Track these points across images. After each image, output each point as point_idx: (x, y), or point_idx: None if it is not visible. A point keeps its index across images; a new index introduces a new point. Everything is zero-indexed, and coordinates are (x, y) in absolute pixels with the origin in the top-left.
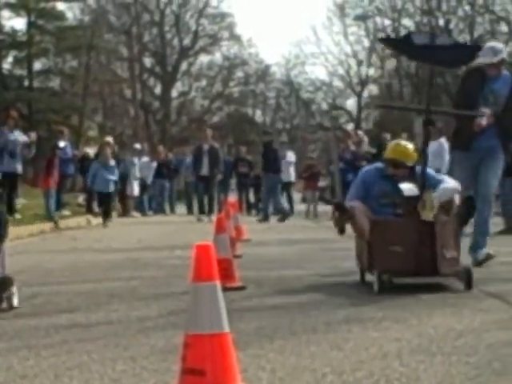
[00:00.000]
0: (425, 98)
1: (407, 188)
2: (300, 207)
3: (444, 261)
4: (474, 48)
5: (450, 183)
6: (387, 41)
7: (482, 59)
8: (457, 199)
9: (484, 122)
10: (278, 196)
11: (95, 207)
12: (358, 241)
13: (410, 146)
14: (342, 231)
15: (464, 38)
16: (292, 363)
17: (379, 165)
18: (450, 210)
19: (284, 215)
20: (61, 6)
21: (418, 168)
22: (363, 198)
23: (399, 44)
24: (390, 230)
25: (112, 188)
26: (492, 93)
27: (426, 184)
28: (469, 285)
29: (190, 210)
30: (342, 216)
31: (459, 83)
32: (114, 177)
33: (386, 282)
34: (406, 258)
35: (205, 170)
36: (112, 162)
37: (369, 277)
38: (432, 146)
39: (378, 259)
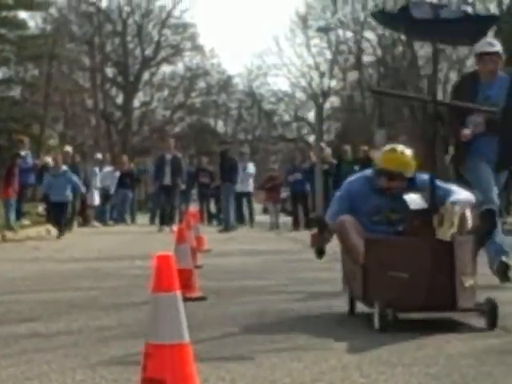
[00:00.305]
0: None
1: (413, 200)
2: (260, 218)
3: (463, 291)
4: (487, 20)
5: (461, 194)
6: (381, 16)
7: (478, 47)
8: (469, 214)
9: (469, 132)
10: (227, 206)
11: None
12: (346, 262)
13: (408, 152)
14: (320, 253)
15: (425, 51)
16: (252, 374)
17: (368, 174)
18: (462, 226)
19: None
20: (23, 15)
21: (420, 177)
22: (349, 213)
23: (395, 19)
24: (392, 252)
25: (68, 196)
26: (487, 100)
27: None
28: (493, 323)
29: (152, 221)
30: (322, 234)
31: (451, 92)
32: (67, 183)
33: (389, 318)
34: (414, 288)
35: (167, 180)
36: (63, 168)
37: (360, 306)
38: None
39: (378, 288)
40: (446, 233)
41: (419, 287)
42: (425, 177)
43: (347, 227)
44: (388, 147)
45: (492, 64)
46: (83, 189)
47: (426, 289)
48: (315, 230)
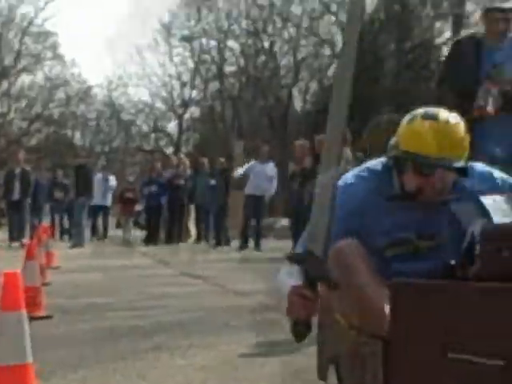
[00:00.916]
0: None
1: (497, 206)
2: (114, 232)
3: None
4: None
5: None
6: None
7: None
8: None
9: (491, 108)
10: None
11: None
12: (333, 331)
13: (456, 120)
14: (304, 332)
15: (288, 59)
16: None
17: (377, 167)
18: None
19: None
20: None
21: (479, 168)
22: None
23: None
24: (456, 311)
25: None
26: (495, 67)
27: None
28: None
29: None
30: (315, 291)
31: (446, 61)
32: None
33: None
34: None
35: (16, 195)
36: None
37: None
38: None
39: None
40: None
41: None
42: (482, 168)
43: (352, 260)
44: (420, 111)
45: (503, 23)
46: None
47: None
48: (298, 286)
